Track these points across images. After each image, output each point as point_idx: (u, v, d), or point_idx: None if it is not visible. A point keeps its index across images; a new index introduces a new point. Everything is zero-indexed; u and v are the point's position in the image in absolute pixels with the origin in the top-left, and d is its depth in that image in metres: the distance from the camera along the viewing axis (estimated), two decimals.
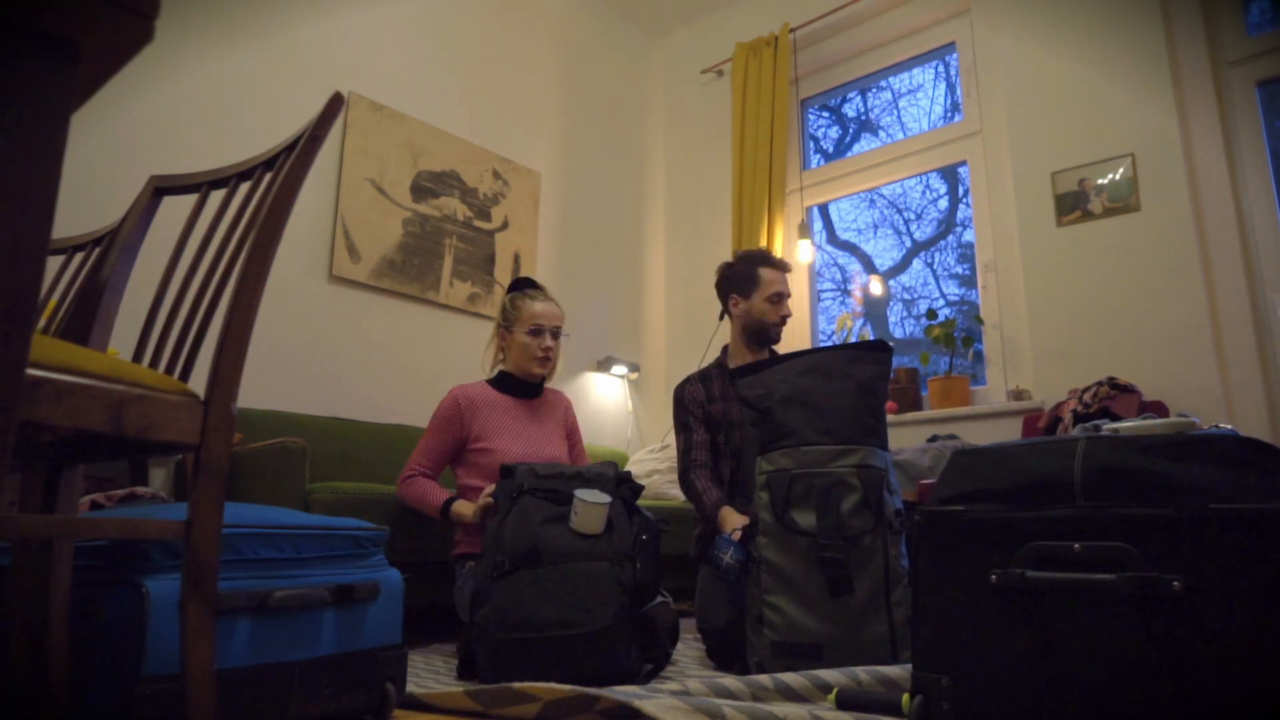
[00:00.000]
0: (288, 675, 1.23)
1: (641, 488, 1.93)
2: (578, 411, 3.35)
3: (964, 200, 3.64)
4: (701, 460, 2.30)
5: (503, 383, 2.30)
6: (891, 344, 2.02)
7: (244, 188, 1.18)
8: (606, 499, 1.80)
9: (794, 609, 1.69)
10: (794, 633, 1.68)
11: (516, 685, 1.41)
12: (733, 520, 2.07)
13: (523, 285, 2.35)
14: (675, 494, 3.28)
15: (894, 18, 3.82)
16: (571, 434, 2.40)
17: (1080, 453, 1.07)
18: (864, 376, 1.87)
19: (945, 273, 3.77)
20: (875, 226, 4.01)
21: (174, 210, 2.55)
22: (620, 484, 1.89)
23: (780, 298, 2.43)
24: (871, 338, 3.57)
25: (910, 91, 3.96)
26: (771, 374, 1.95)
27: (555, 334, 2.28)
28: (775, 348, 2.51)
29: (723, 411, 2.34)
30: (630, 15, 4.50)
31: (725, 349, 2.49)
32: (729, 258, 4.00)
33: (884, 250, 3.96)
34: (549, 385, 2.40)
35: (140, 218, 1.19)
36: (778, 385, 1.90)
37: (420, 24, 3.46)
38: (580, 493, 1.81)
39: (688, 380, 2.42)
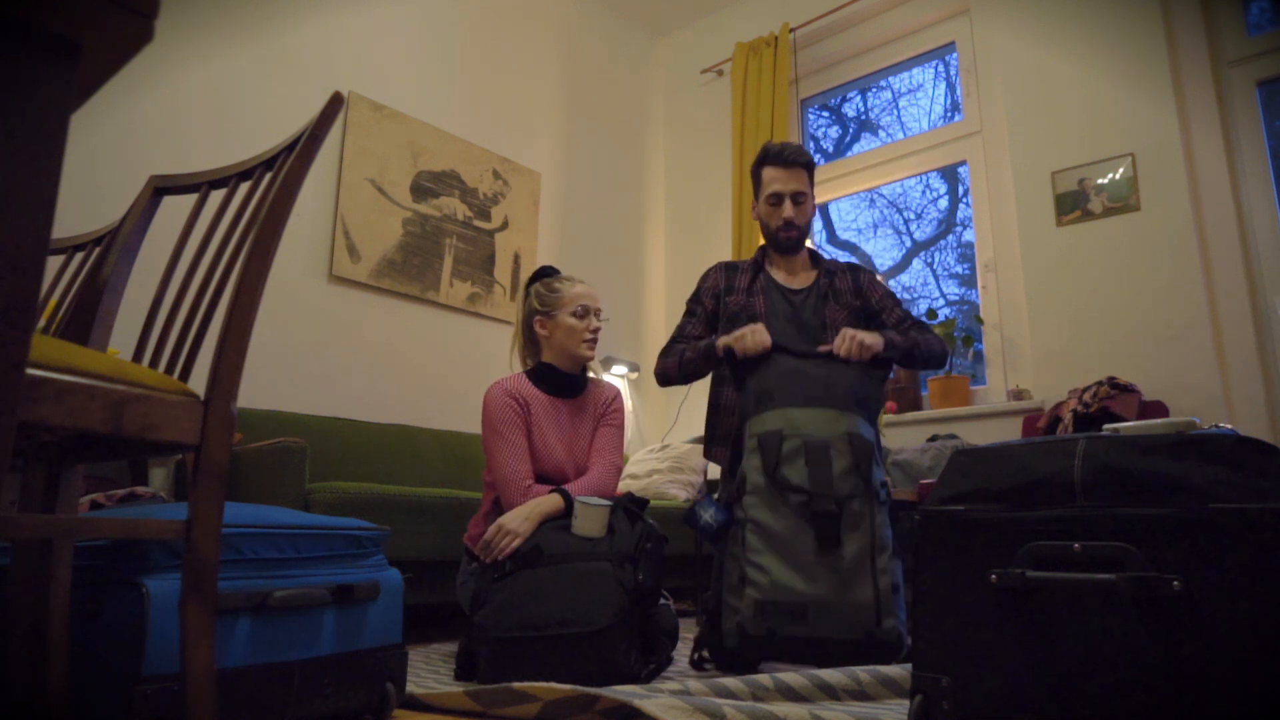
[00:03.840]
0: (288, 675, 1.23)
1: (646, 501, 1.93)
2: None
3: (964, 200, 3.64)
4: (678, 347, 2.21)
5: (544, 378, 2.12)
6: None
7: (244, 188, 1.18)
8: (608, 502, 1.82)
9: (781, 569, 1.67)
10: (779, 591, 1.66)
11: (516, 685, 1.41)
12: (757, 337, 1.91)
13: (548, 273, 2.21)
14: (675, 494, 3.28)
15: (894, 18, 3.82)
16: (600, 425, 2.17)
17: (1080, 452, 1.07)
18: (859, 371, 1.88)
19: (945, 272, 3.78)
20: (875, 226, 4.01)
21: (174, 210, 2.55)
22: (618, 506, 1.89)
23: (779, 199, 2.20)
24: None
25: (910, 91, 3.96)
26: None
27: (598, 315, 2.15)
28: (821, 257, 2.30)
29: (743, 304, 2.19)
30: (630, 15, 4.50)
31: (764, 247, 2.31)
32: (728, 258, 4.02)
33: (884, 250, 3.96)
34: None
35: (140, 218, 1.19)
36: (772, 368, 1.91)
37: (420, 24, 3.46)
38: (581, 497, 1.84)
39: (716, 265, 2.31)
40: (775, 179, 2.18)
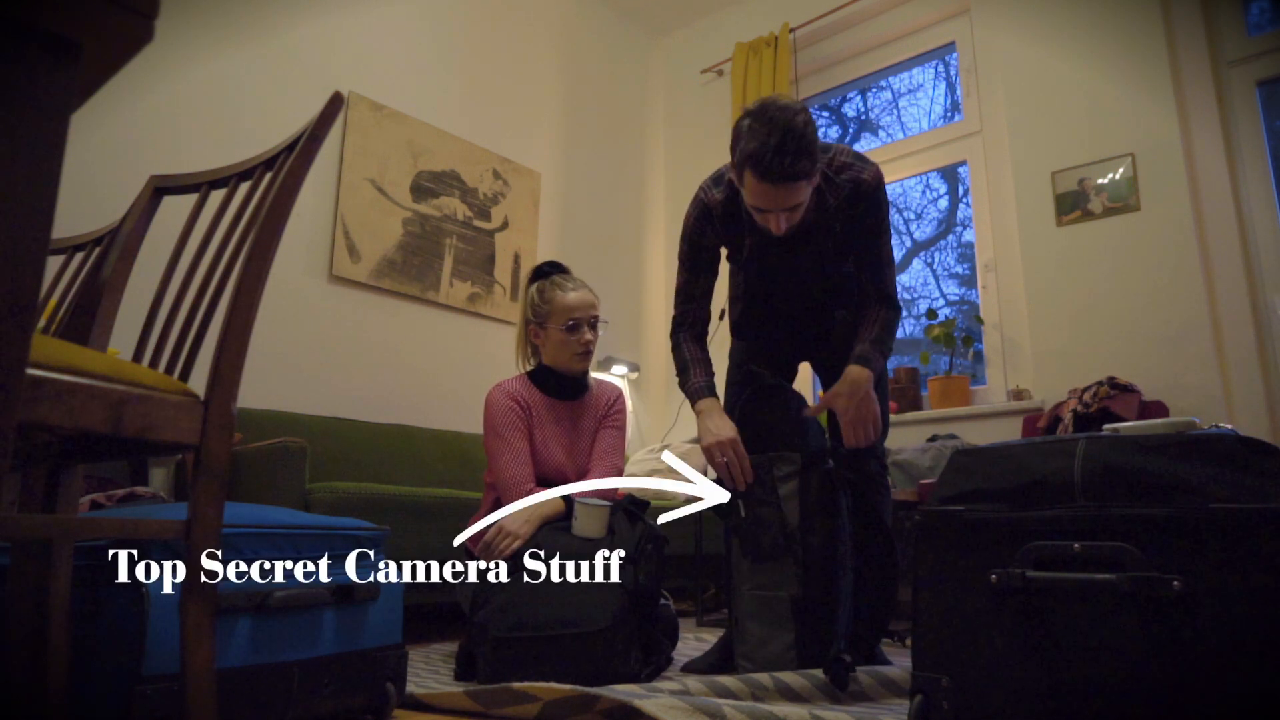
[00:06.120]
0: (288, 675, 1.23)
1: (647, 503, 1.93)
2: None
3: (964, 200, 3.64)
4: (693, 318, 2.01)
5: (544, 381, 2.10)
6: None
7: (244, 188, 1.18)
8: (608, 503, 1.82)
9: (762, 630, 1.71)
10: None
11: (516, 685, 1.41)
12: (710, 427, 1.83)
13: (548, 270, 2.13)
14: (675, 494, 3.28)
15: (894, 18, 3.82)
16: (602, 427, 2.14)
17: (1080, 452, 1.07)
18: None
19: (945, 272, 3.78)
20: None
21: (174, 210, 2.54)
22: (618, 508, 1.89)
23: (761, 215, 1.73)
24: None
25: (910, 91, 3.96)
26: None
27: (593, 325, 2.07)
28: None
29: (734, 272, 2.02)
30: (630, 15, 4.50)
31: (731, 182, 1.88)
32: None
33: None
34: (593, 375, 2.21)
35: (140, 218, 1.19)
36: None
37: (420, 24, 3.46)
38: (581, 499, 1.84)
39: (695, 214, 1.91)
40: (760, 194, 1.66)
